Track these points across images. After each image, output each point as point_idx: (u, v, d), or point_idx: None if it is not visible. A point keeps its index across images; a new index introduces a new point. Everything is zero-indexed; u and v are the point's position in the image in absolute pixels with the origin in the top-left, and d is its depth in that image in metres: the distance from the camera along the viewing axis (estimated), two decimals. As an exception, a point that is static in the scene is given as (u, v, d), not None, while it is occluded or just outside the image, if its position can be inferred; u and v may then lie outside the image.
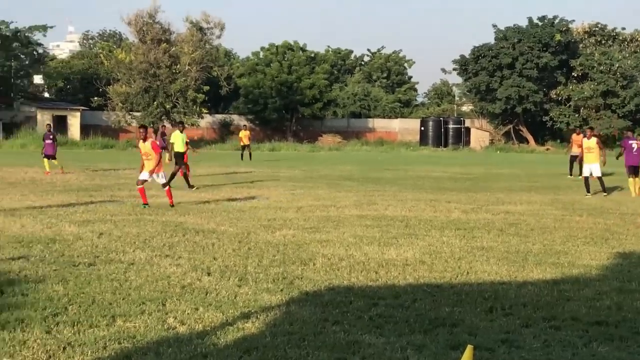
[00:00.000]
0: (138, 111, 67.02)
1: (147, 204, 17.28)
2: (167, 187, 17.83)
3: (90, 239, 12.22)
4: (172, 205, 17.32)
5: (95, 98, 68.18)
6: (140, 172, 17.67)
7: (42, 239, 12.20)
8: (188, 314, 7.54)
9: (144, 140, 17.56)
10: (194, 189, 22.39)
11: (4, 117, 68.00)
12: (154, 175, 17.50)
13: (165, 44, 66.46)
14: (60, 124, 69.05)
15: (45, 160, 29.66)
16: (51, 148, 30.03)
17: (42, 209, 16.69)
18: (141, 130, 17.84)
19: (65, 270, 9.62)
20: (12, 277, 9.12)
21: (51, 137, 30.74)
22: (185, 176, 23.28)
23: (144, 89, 65.95)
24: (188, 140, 24.84)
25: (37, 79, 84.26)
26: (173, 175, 22.40)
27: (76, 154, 51.93)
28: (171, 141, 24.47)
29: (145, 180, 17.40)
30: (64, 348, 6.33)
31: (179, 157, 23.82)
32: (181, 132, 24.66)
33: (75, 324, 7.06)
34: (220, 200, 19.59)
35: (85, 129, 69.09)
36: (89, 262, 10.25)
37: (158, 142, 19.29)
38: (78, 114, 70.66)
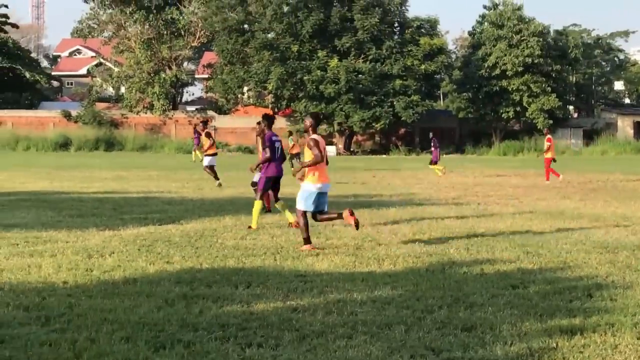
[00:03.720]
0: None
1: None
2: None
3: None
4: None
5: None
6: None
7: (628, 245, 11.97)
8: None
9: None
10: None
11: (585, 124, 68.91)
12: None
13: None
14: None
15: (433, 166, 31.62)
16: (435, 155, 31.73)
17: (627, 216, 16.43)
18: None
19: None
20: (600, 281, 9.08)
21: (433, 145, 32.06)
22: None
23: None
24: None
25: (618, 85, 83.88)
26: None
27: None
28: None
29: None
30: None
31: None
32: None
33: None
34: None
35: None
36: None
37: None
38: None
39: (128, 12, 66.80)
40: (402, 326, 6.98)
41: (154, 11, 67.76)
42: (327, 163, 11.74)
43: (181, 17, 67.77)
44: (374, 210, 17.07)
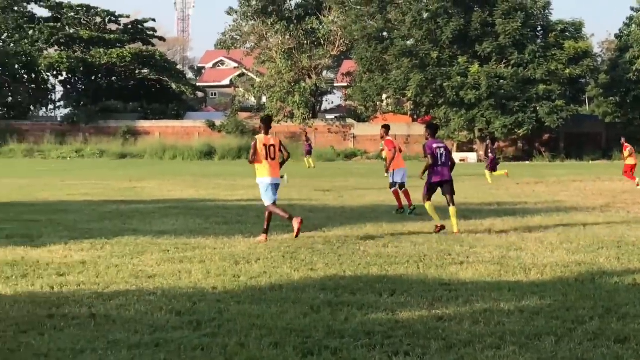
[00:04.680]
0: None
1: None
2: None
3: None
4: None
5: None
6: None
7: None
8: None
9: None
10: None
11: None
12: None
13: None
14: None
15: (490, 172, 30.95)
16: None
17: None
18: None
19: None
20: None
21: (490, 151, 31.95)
22: None
23: None
24: None
25: None
26: None
27: None
28: None
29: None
30: None
31: None
32: None
33: None
34: None
35: None
36: None
37: None
38: None
39: (269, 23, 68.22)
40: (552, 337, 6.81)
41: (295, 21, 68.92)
42: (283, 161, 13.68)
43: (321, 27, 68.64)
44: (519, 217, 16.72)
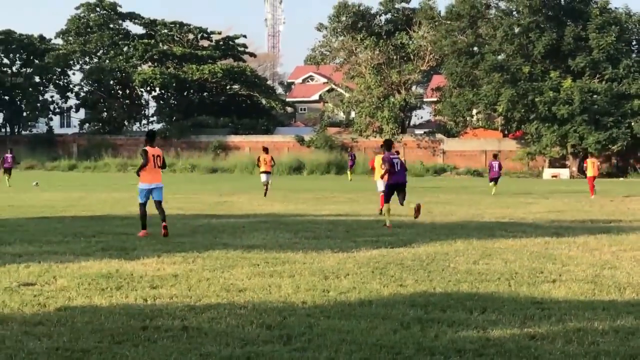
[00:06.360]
0: None
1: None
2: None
3: None
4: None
5: None
6: None
7: None
8: None
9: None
10: None
11: None
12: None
13: None
14: None
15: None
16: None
17: None
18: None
19: None
20: None
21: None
22: None
23: None
24: None
25: None
26: None
27: None
28: None
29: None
30: None
31: None
32: None
33: None
34: None
35: None
36: None
37: None
38: None
39: (359, 39, 68.42)
40: (650, 359, 6.62)
41: (384, 37, 68.98)
42: (163, 167, 16.29)
43: (410, 42, 68.47)
44: (613, 235, 16.31)
